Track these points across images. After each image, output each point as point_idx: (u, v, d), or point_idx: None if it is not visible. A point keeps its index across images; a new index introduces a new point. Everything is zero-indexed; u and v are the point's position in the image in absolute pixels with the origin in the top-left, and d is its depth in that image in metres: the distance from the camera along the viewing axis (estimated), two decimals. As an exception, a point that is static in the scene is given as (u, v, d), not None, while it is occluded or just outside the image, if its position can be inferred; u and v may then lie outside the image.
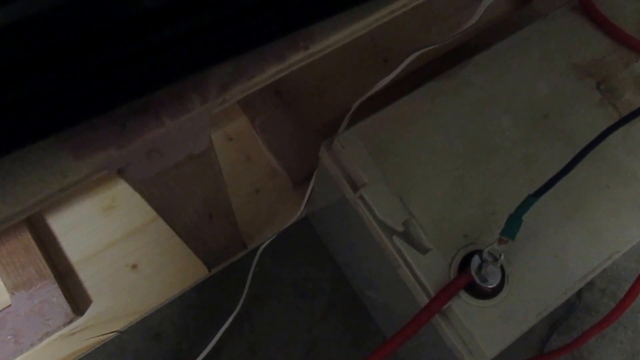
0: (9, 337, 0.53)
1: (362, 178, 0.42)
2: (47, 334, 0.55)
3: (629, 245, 0.42)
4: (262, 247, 0.62)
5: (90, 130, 0.22)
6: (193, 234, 0.45)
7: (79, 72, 0.21)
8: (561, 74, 0.45)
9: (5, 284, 0.55)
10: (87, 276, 0.60)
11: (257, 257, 0.62)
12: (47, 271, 0.56)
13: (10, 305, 0.55)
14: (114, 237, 0.62)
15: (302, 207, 0.60)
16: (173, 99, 0.24)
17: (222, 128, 0.67)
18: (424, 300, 0.40)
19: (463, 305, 0.39)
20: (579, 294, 0.66)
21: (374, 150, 0.42)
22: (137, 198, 0.63)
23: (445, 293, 0.38)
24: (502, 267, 0.39)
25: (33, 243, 0.57)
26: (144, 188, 0.30)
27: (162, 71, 0.23)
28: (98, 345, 0.58)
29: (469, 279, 0.38)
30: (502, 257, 0.38)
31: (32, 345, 0.54)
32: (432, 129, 0.43)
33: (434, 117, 0.43)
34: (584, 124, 0.43)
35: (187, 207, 0.36)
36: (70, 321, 0.56)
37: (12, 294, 0.55)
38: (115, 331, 0.59)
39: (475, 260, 0.38)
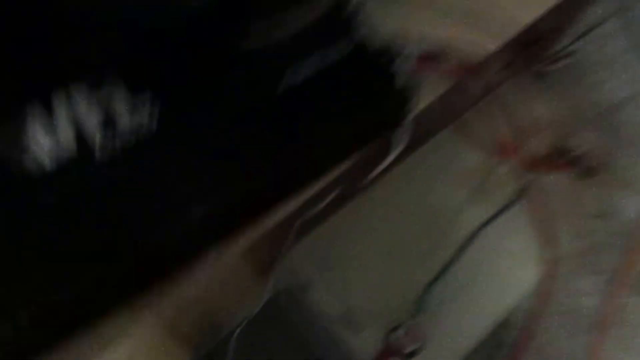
0: None
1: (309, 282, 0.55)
2: None
3: (515, 299, 0.57)
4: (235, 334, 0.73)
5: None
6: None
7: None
8: (449, 183, 0.61)
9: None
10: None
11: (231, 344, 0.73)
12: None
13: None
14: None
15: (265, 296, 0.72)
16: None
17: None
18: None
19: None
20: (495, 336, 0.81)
21: (315, 261, 0.56)
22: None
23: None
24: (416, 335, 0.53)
25: None
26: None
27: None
28: None
29: (391, 349, 0.51)
30: (417, 326, 0.52)
31: None
32: (359, 236, 0.58)
33: (361, 227, 0.58)
34: (467, 221, 0.59)
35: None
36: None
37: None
38: None
39: (397, 334, 0.52)
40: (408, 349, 0.51)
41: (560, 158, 0.67)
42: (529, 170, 0.65)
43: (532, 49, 0.88)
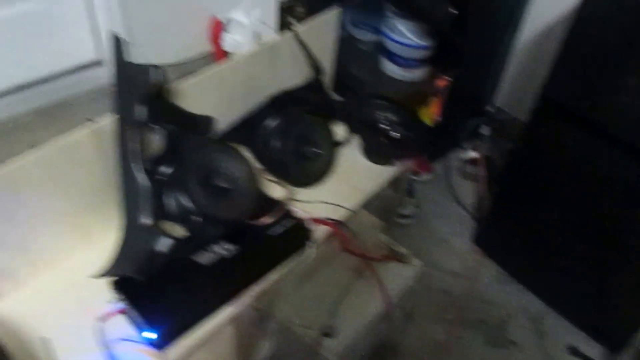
0: None
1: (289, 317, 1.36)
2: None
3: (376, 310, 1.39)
4: None
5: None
6: None
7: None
8: (341, 268, 1.46)
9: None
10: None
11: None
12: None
13: None
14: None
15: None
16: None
17: None
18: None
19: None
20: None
21: (290, 307, 1.38)
22: None
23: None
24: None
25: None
26: None
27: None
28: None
29: (323, 334, 1.32)
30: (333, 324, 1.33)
31: None
32: (303, 296, 1.41)
33: (304, 290, 1.41)
34: (349, 282, 1.42)
35: None
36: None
37: None
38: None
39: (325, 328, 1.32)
40: (330, 332, 1.32)
41: (392, 255, 1.53)
42: (376, 261, 1.50)
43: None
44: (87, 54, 2.22)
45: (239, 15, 2.31)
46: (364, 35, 2.34)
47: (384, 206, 1.92)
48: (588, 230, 1.59)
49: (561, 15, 1.93)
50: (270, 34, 2.29)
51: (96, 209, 1.15)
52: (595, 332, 1.73)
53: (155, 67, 1.03)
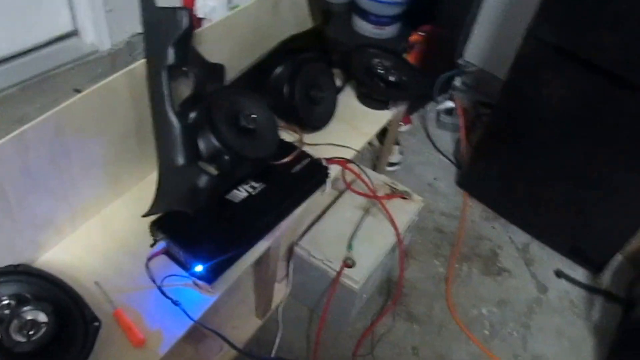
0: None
1: (309, 251, 1.43)
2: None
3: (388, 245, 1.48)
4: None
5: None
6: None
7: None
8: (350, 205, 1.54)
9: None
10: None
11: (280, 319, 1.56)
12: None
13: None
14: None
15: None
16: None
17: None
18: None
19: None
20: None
21: (312, 242, 1.44)
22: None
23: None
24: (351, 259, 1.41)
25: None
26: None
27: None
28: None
29: (344, 266, 1.39)
30: (351, 255, 1.41)
31: None
32: (325, 230, 1.48)
33: (325, 227, 1.48)
34: (360, 217, 1.51)
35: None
36: None
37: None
38: None
39: (345, 259, 1.40)
40: (350, 262, 1.40)
41: (395, 192, 1.62)
42: (383, 198, 1.59)
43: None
44: (64, 25, 2.21)
45: (212, -20, 2.32)
46: (336, -3, 2.40)
47: (371, 155, 2.01)
48: (567, 162, 1.73)
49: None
50: (245, -1, 2.32)
51: (126, 157, 1.18)
52: (578, 257, 1.88)
53: (184, 10, 1.06)
